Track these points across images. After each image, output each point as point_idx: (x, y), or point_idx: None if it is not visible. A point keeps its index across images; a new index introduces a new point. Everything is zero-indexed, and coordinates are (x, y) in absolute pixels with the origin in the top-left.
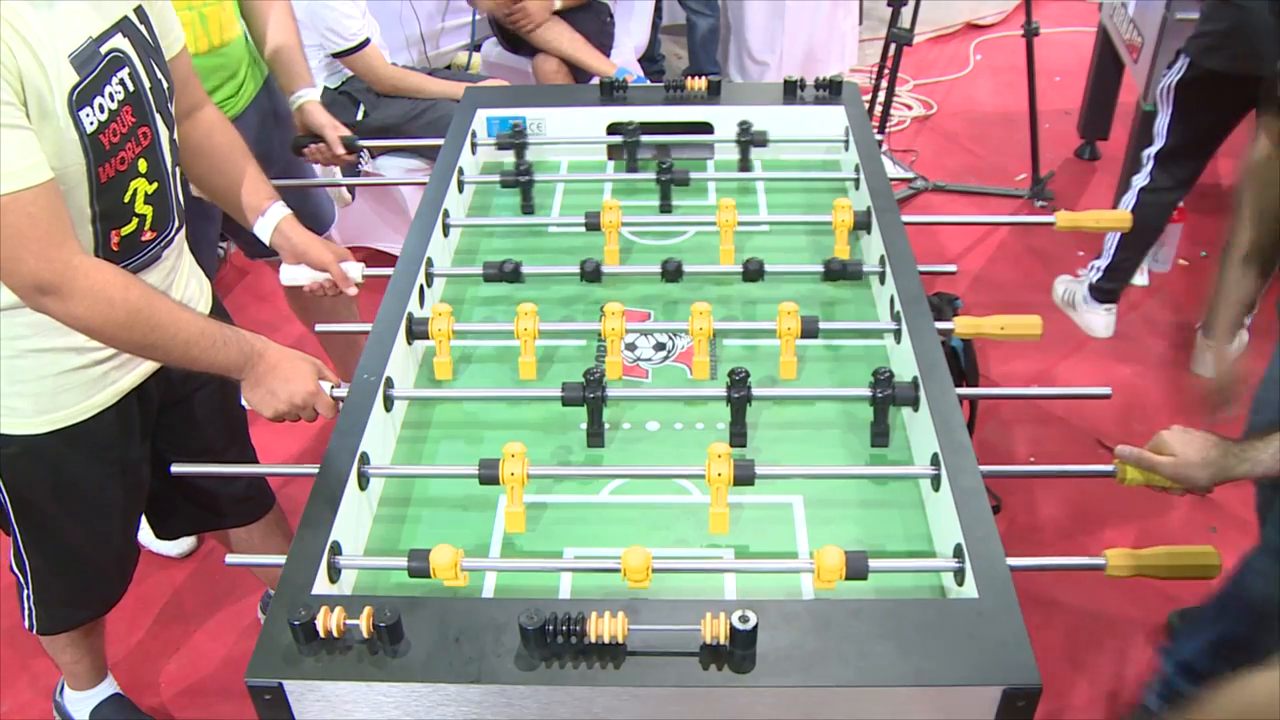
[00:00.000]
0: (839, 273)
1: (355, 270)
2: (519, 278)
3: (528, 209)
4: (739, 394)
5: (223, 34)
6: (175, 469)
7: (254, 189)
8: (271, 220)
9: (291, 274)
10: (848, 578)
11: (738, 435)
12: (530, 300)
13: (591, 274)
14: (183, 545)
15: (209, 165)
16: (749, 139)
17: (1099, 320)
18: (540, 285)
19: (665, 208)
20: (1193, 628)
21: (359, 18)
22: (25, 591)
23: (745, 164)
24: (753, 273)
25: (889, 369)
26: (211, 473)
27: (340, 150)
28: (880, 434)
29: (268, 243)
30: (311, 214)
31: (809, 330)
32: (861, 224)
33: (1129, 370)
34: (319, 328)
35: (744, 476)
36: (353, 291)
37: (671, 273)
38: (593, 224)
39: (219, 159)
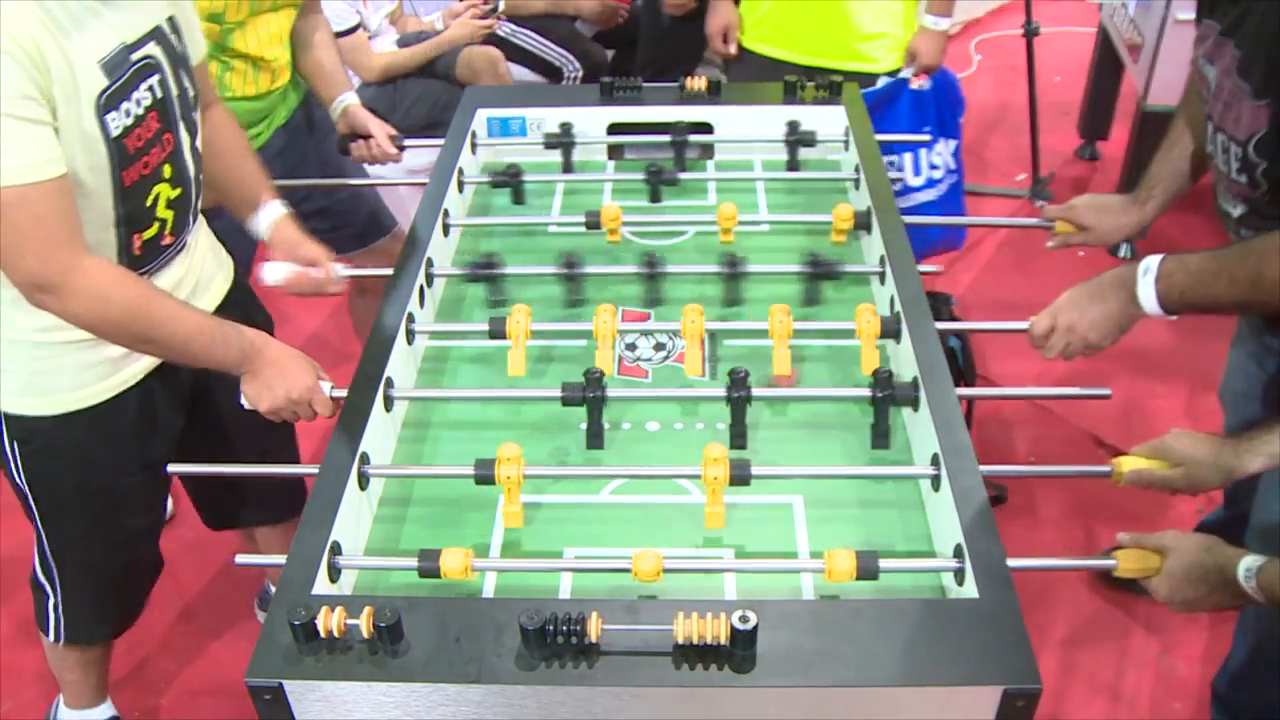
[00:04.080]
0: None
1: (338, 269)
2: (497, 277)
3: (519, 201)
4: (739, 394)
5: (275, 81)
6: (172, 468)
7: (253, 185)
8: (269, 216)
9: (274, 272)
10: (859, 578)
11: (738, 436)
12: (531, 299)
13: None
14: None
15: (211, 160)
16: (797, 138)
17: None
18: (541, 284)
19: (656, 197)
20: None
21: (348, 4)
22: (52, 600)
23: (794, 164)
24: (733, 274)
25: (888, 369)
26: (208, 473)
27: (392, 150)
28: (881, 435)
29: (264, 239)
30: (369, 214)
31: (889, 330)
32: (861, 224)
33: (1128, 369)
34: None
35: (740, 477)
36: (335, 290)
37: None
38: (593, 223)
39: (223, 155)
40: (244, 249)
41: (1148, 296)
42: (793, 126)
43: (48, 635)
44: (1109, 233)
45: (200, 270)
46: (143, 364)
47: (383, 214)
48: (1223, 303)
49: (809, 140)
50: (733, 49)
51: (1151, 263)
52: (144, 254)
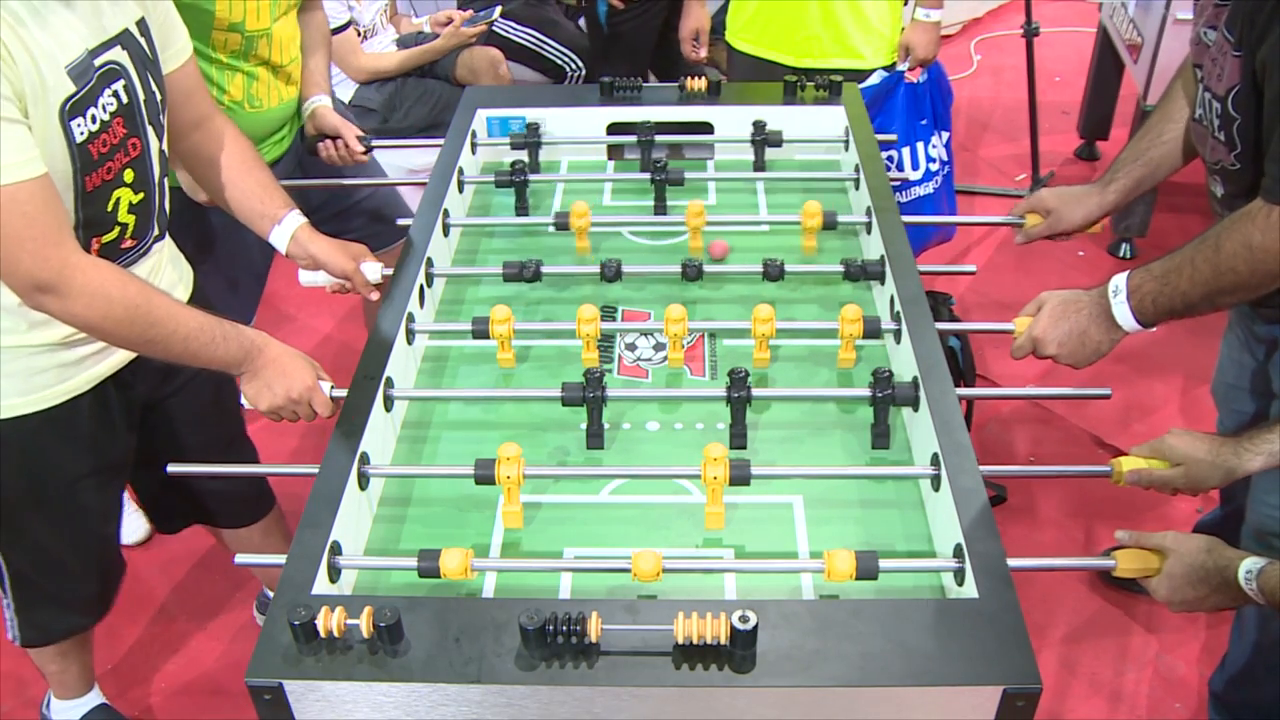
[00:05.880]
0: (859, 273)
1: (374, 271)
2: (539, 278)
3: (522, 210)
4: (739, 394)
5: (295, 85)
6: (172, 469)
7: (268, 197)
8: (288, 229)
9: (311, 277)
10: (858, 578)
11: (738, 436)
12: (533, 300)
13: (612, 276)
14: (138, 533)
15: (222, 176)
16: (763, 138)
17: None
18: (542, 285)
19: (660, 209)
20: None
21: (340, 2)
22: (4, 601)
23: (760, 164)
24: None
25: (888, 369)
26: (210, 473)
27: (359, 149)
28: (880, 435)
29: (284, 252)
30: (376, 214)
31: (871, 330)
32: (829, 224)
33: (1128, 369)
34: None
35: (740, 477)
36: (374, 296)
37: (693, 274)
38: (561, 224)
39: (231, 169)
40: (185, 245)
41: (1124, 316)
42: (759, 126)
43: (7, 636)
44: (1071, 215)
45: (160, 280)
46: (97, 370)
47: (397, 204)
48: (1191, 298)
49: (775, 140)
50: (703, 53)
51: (1119, 281)
52: (100, 257)
